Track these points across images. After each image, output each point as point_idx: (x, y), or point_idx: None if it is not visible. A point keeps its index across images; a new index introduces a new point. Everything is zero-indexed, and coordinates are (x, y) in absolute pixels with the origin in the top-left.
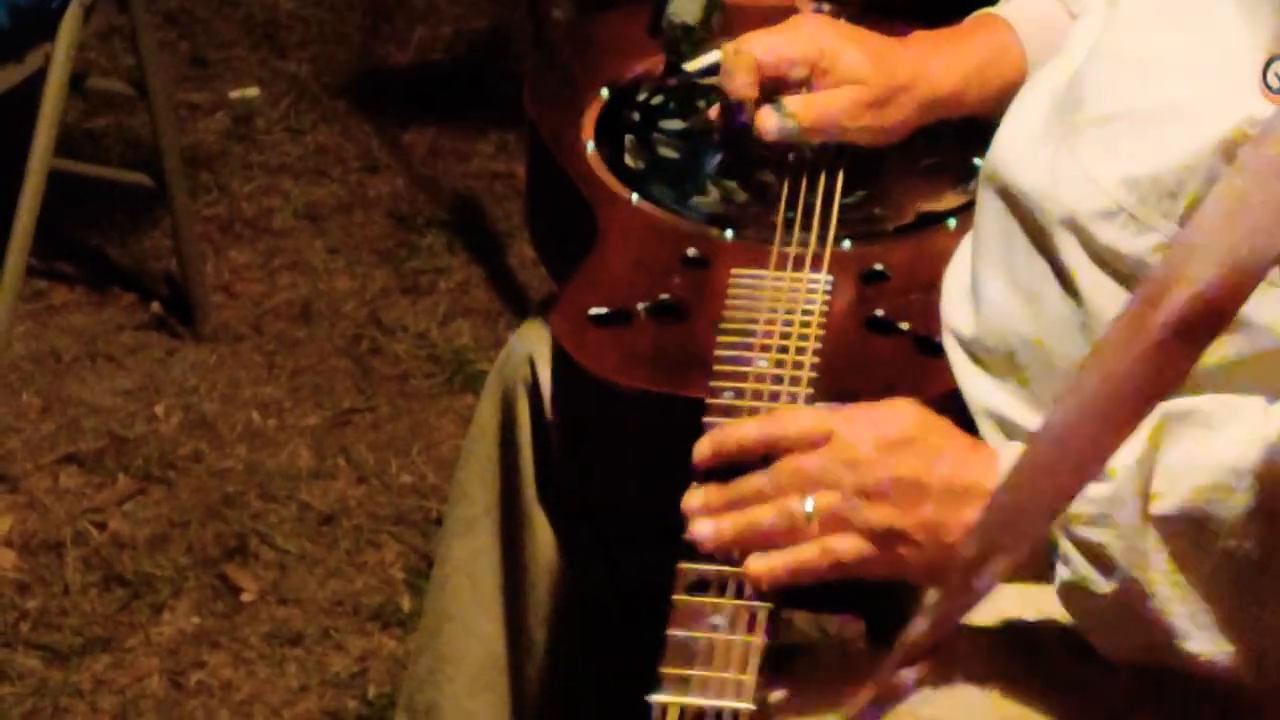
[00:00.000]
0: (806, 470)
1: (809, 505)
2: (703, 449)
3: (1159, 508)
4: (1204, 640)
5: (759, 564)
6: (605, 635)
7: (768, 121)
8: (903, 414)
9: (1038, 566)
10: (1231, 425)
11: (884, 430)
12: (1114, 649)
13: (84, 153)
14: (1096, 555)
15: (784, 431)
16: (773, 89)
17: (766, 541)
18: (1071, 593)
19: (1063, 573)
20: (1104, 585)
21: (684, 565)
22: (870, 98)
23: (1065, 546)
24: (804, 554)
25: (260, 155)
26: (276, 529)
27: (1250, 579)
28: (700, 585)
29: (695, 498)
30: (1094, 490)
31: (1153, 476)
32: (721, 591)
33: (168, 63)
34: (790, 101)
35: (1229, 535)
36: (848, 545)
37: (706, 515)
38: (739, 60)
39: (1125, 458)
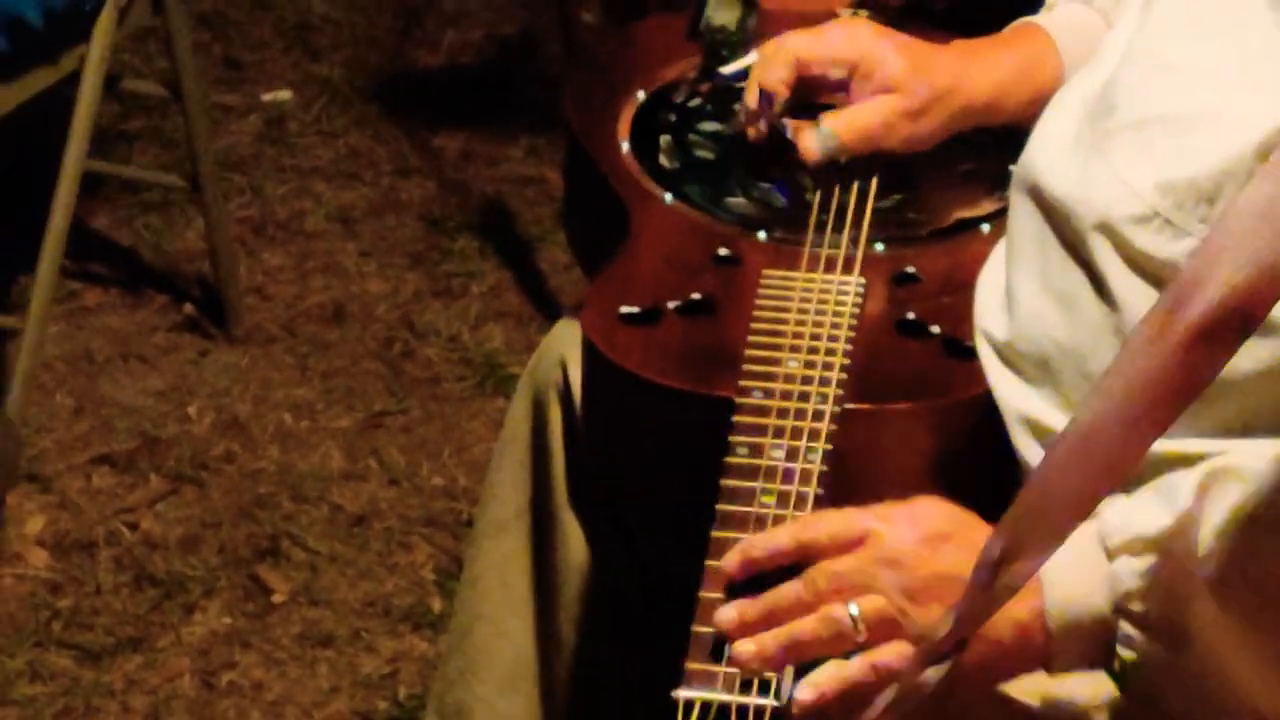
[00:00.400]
0: (845, 573)
1: (854, 609)
2: (731, 560)
3: (1208, 570)
4: (1274, 691)
5: (806, 693)
6: (633, 633)
7: (809, 142)
8: (936, 510)
9: (1095, 657)
10: (1268, 476)
11: (922, 527)
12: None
13: (118, 154)
14: (1158, 628)
15: (816, 535)
16: (811, 88)
17: (812, 653)
18: (1138, 673)
19: (1125, 654)
20: (1171, 656)
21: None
22: (908, 108)
23: (1125, 628)
24: (852, 672)
25: (292, 158)
26: (308, 530)
27: None
28: None
29: (728, 615)
30: (1140, 565)
31: (1200, 539)
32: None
33: (201, 65)
34: (829, 119)
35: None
36: (895, 654)
37: (743, 632)
38: (779, 55)
39: (1164, 523)
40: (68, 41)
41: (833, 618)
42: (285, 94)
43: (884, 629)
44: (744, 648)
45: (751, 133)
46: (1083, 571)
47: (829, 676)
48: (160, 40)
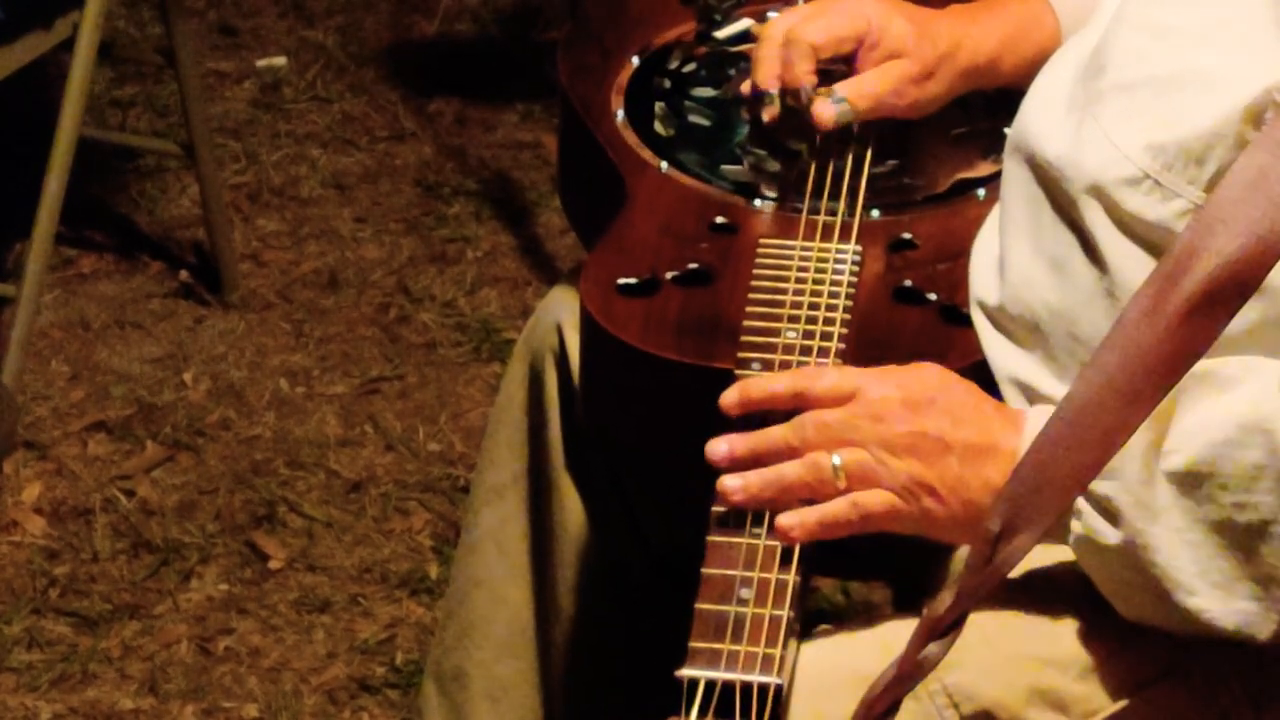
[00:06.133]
0: (832, 424)
1: (836, 459)
2: (729, 397)
3: (1170, 464)
4: (1211, 598)
5: (789, 518)
6: (632, 601)
7: (824, 111)
8: (927, 376)
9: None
10: (1247, 383)
11: (909, 389)
12: (1125, 605)
13: (112, 121)
14: (1104, 508)
15: (812, 385)
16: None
17: (793, 495)
18: (1082, 546)
19: (1075, 526)
20: (1111, 537)
21: (713, 539)
22: (916, 72)
23: (1077, 500)
24: (834, 508)
25: (288, 124)
26: (304, 496)
27: (1257, 536)
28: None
29: (719, 447)
30: None
31: (1167, 434)
32: (750, 563)
33: (196, 31)
34: (843, 87)
35: (1236, 490)
36: (876, 499)
37: (731, 467)
38: (797, 49)
39: None
40: (62, 6)
41: (817, 464)
42: (280, 60)
43: (861, 479)
44: (731, 482)
45: (767, 116)
46: None
47: (812, 508)
48: (154, 6)
